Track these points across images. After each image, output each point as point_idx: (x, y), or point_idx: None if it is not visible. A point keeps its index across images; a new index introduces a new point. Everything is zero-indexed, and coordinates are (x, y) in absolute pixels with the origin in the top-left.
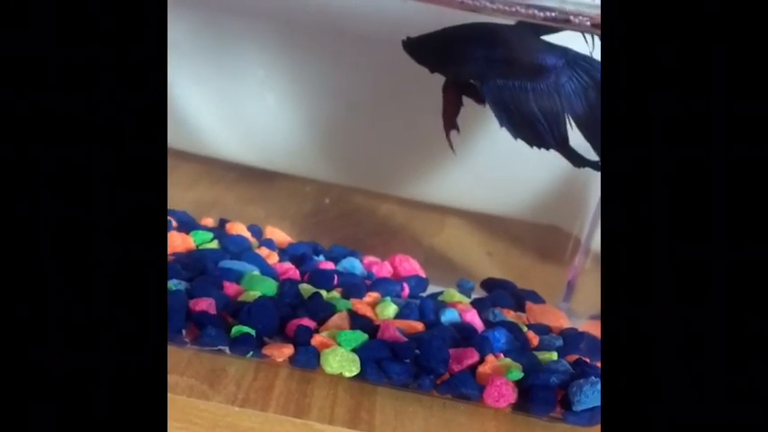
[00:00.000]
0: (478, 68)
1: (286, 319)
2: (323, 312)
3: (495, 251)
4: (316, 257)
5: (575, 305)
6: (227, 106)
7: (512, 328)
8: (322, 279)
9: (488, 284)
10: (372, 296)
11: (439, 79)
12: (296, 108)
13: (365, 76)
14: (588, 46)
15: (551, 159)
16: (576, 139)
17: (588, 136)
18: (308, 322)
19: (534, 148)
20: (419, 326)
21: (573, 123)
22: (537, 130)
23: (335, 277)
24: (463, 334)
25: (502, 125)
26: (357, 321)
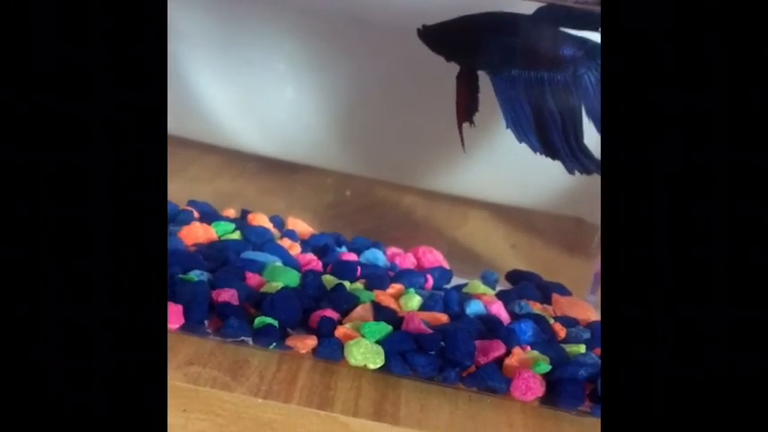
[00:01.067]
0: (493, 58)
1: (309, 311)
2: (346, 304)
3: (519, 243)
4: (338, 249)
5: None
6: (248, 98)
7: (538, 320)
8: (345, 270)
9: (513, 276)
10: (396, 288)
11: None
12: (317, 99)
13: (387, 67)
14: None
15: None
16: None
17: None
18: (331, 314)
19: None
20: (444, 318)
21: (589, 118)
22: (547, 128)
23: (358, 268)
24: (489, 326)
25: (508, 126)
26: (381, 313)
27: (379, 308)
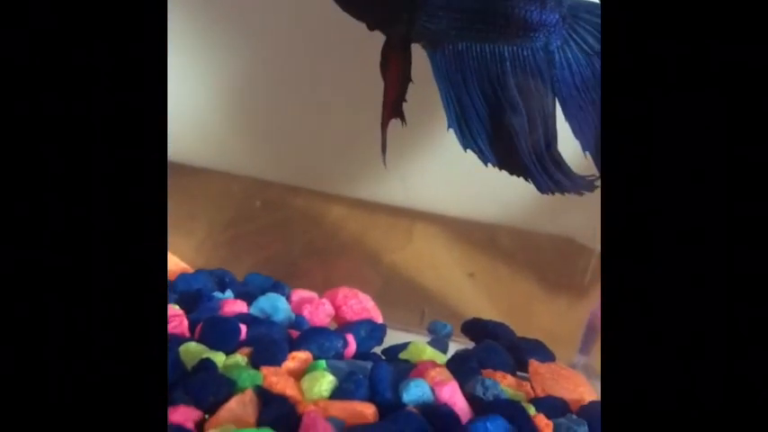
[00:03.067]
0: (433, 24)
1: None
2: (214, 393)
3: (480, 271)
4: (219, 295)
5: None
6: None
7: (513, 411)
8: (220, 333)
9: (473, 329)
10: (299, 358)
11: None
12: (215, 82)
13: (310, 42)
14: None
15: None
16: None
17: (582, 130)
18: (184, 415)
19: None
20: (369, 411)
21: (565, 113)
22: (507, 129)
23: (242, 329)
24: (438, 424)
25: (450, 125)
26: (269, 408)
27: (267, 397)
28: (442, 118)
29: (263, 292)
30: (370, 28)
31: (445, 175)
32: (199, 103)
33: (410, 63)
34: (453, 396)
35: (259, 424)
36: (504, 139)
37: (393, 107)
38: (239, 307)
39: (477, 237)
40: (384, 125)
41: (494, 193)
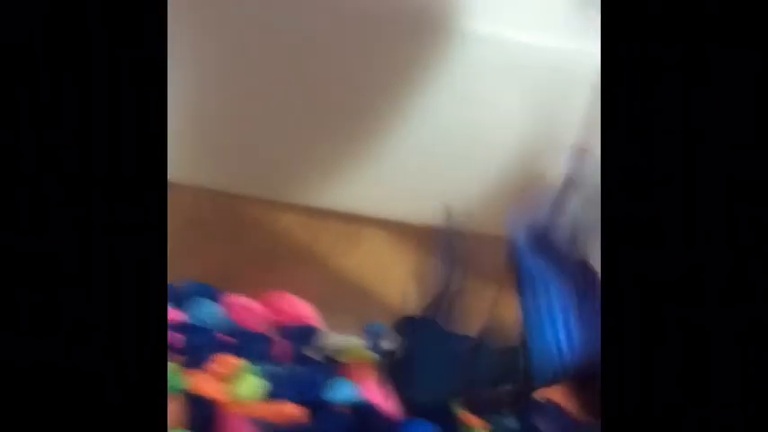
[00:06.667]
0: None
1: None
2: None
3: (423, 273)
4: None
5: None
6: None
7: (441, 413)
8: None
9: (406, 327)
10: (228, 362)
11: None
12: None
13: (259, 51)
14: None
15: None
16: None
17: None
18: None
19: None
20: (295, 412)
21: None
22: None
23: (175, 335)
24: (368, 424)
25: None
26: (196, 411)
27: (194, 401)
28: (383, 122)
29: (197, 299)
30: None
31: (388, 178)
32: None
33: None
34: (381, 396)
35: (187, 426)
36: None
37: None
38: (173, 314)
39: (420, 239)
40: None
41: (437, 194)
